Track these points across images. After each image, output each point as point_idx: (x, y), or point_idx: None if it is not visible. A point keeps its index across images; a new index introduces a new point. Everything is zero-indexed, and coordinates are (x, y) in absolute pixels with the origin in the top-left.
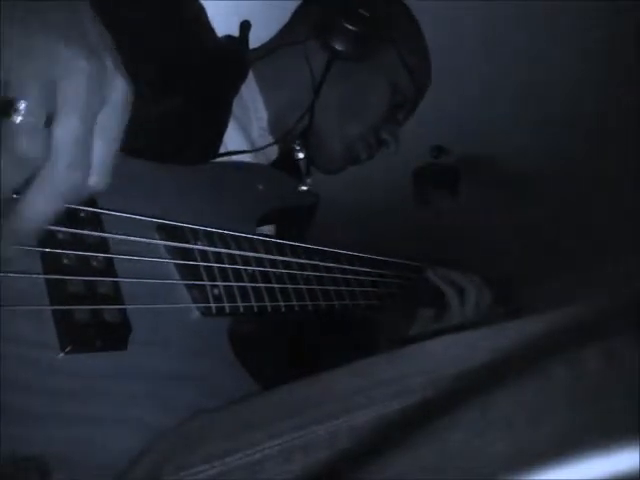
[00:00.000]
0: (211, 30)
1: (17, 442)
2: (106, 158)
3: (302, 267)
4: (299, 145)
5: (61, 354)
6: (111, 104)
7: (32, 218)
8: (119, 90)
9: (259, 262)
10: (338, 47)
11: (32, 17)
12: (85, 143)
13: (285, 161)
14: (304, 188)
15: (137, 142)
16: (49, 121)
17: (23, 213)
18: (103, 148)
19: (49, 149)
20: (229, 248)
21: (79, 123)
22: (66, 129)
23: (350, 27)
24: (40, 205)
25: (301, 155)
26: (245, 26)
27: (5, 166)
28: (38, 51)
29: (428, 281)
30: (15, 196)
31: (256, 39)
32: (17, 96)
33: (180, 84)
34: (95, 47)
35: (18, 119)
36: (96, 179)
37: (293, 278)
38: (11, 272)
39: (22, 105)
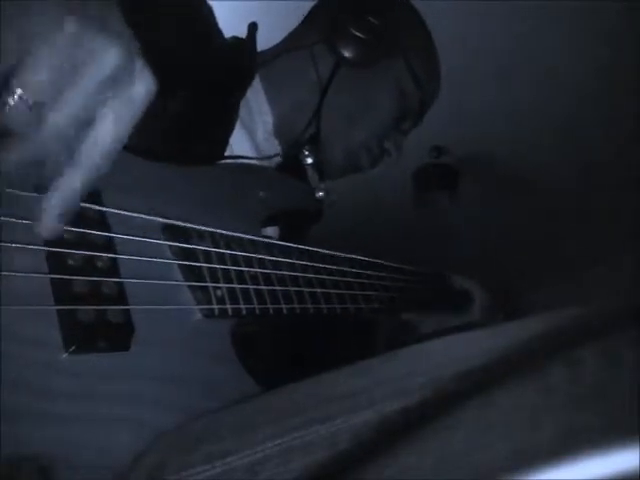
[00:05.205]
0: (218, 31)
1: (17, 442)
2: (110, 142)
3: (304, 269)
4: (308, 150)
5: (64, 354)
6: (132, 95)
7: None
8: (144, 85)
9: (262, 264)
10: (345, 53)
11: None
12: (78, 127)
13: (289, 165)
14: (321, 194)
15: (143, 142)
16: (40, 106)
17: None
18: (110, 132)
19: (36, 124)
20: (233, 250)
21: (80, 109)
22: (62, 113)
23: (358, 34)
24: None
25: (310, 160)
26: (252, 28)
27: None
28: (69, 33)
29: (452, 288)
30: None
31: (263, 41)
32: (17, 80)
33: (187, 84)
34: (129, 44)
35: (10, 101)
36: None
37: (295, 280)
38: (17, 272)
39: (18, 91)
